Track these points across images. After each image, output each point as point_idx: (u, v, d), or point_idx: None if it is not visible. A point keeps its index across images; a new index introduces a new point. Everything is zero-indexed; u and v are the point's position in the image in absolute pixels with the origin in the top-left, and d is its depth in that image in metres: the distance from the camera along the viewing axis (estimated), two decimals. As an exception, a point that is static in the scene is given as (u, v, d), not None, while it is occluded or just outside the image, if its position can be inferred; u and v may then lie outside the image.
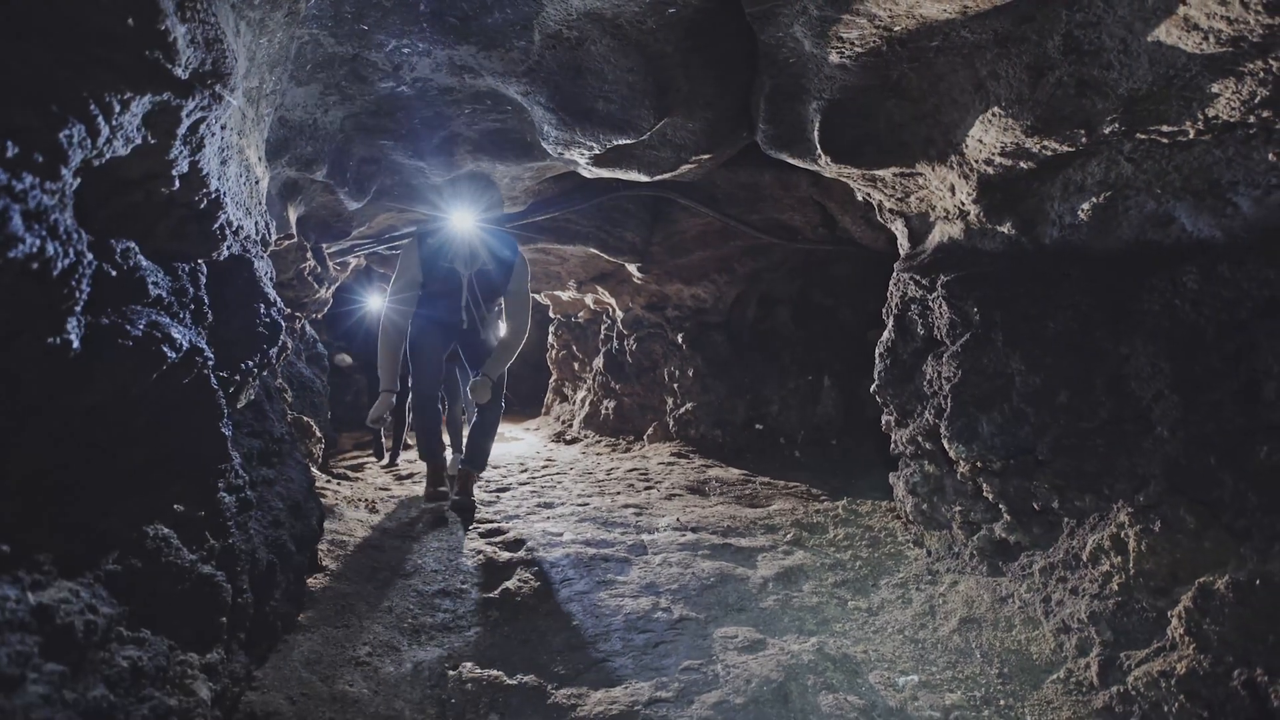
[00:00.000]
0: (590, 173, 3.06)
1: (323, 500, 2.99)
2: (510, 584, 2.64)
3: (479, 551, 3.02)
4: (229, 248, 1.61)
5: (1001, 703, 1.84)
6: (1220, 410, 1.79)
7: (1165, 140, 1.89)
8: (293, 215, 2.84)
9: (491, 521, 3.51)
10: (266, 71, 1.78)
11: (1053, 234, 2.32)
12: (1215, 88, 1.65)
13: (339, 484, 4.23)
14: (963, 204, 2.51)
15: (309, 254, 3.51)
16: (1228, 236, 1.93)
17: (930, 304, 2.65)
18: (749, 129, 2.79)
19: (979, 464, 2.31)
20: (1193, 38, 1.56)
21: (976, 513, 2.40)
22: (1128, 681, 1.67)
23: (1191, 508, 1.76)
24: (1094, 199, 2.14)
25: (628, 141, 2.53)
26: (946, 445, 2.40)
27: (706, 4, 1.92)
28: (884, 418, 3.00)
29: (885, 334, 2.95)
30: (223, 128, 1.49)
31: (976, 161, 2.30)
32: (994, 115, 2.08)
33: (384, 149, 2.88)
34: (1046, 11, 1.76)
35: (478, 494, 4.02)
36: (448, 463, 4.28)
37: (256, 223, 1.89)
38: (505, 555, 2.96)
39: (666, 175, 3.01)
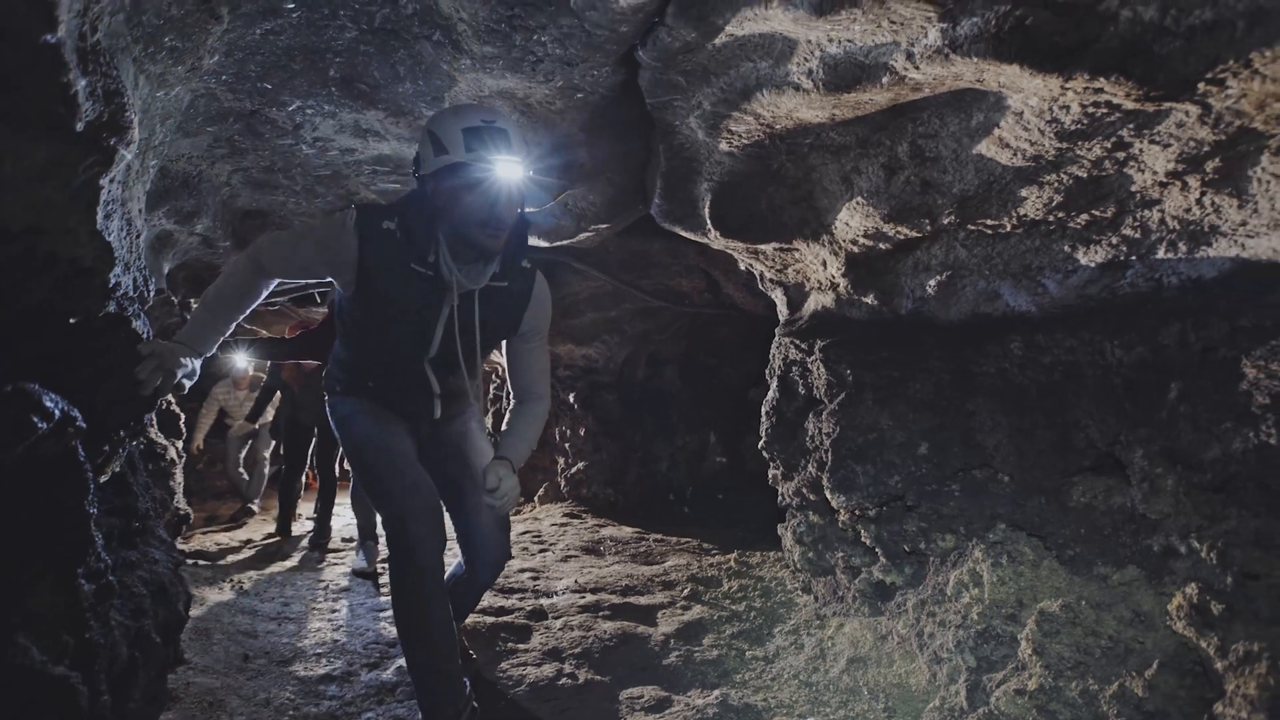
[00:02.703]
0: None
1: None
2: (404, 661, 2.49)
3: (366, 629, 2.82)
4: (107, 306, 1.49)
5: (888, 735, 1.99)
6: (1044, 458, 2.12)
7: (990, 231, 2.26)
8: (164, 268, 2.63)
9: (379, 595, 3.29)
10: (158, 123, 1.71)
11: (908, 305, 2.66)
12: (1024, 192, 2.03)
13: (198, 563, 3.79)
14: (834, 277, 2.83)
15: (176, 309, 3.24)
16: (1041, 311, 2.33)
17: (810, 366, 2.92)
18: (645, 202, 2.99)
19: (857, 511, 2.54)
20: (1005, 153, 1.93)
21: (857, 557, 2.62)
22: (991, 702, 1.88)
23: (1029, 542, 2.04)
24: (938, 276, 2.50)
25: (531, 210, 2.63)
26: (829, 495, 2.61)
27: (611, 91, 2.09)
28: (770, 471, 3.21)
29: (770, 394, 3.19)
30: (111, 181, 1.41)
31: (844, 241, 2.62)
32: (858, 204, 2.40)
33: (273, 204, 2.78)
34: (897, 124, 2.09)
35: (347, 561, 3.66)
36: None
37: (135, 279, 1.76)
38: (395, 631, 2.79)
39: (566, 242, 3.13)
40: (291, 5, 1.61)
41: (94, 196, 1.25)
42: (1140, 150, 1.73)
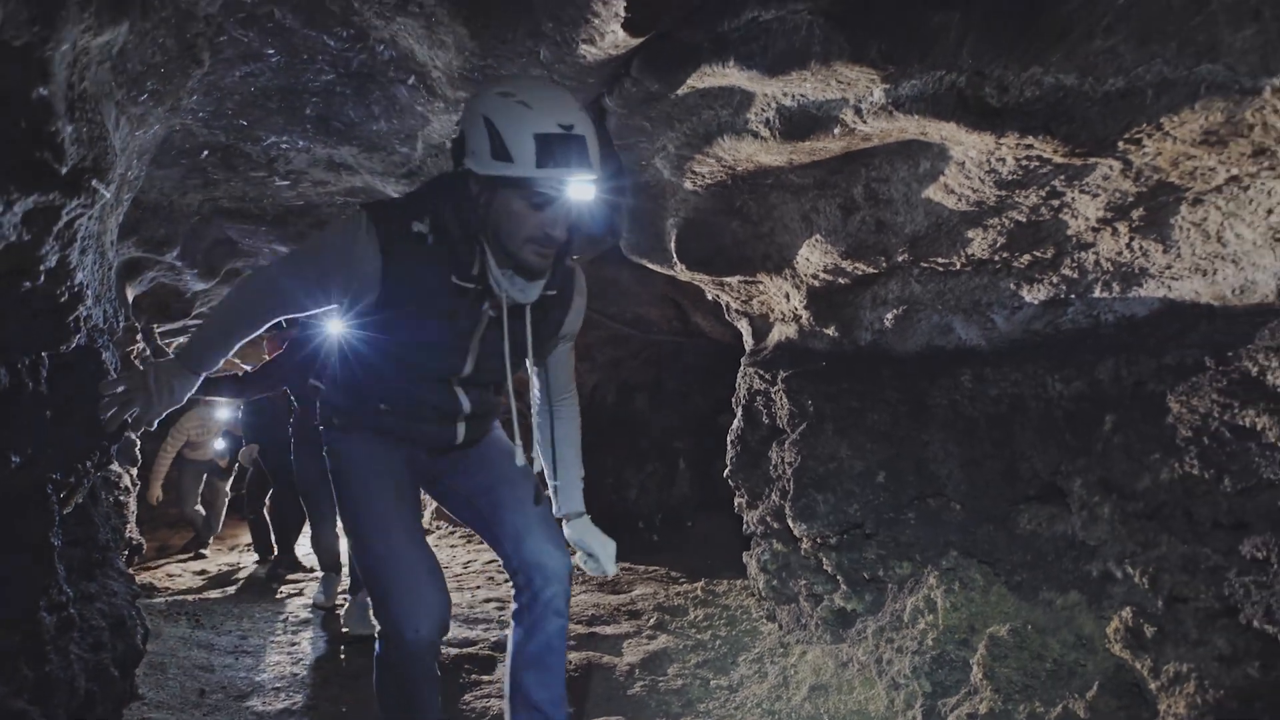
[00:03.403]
0: (462, 266, 3.16)
1: (137, 615, 2.61)
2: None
3: (327, 661, 2.78)
4: (78, 339, 1.50)
5: (847, 760, 2.03)
6: (992, 486, 2.22)
7: (941, 268, 2.39)
8: (130, 295, 2.63)
9: (340, 627, 3.24)
10: (135, 159, 1.74)
11: (866, 337, 2.77)
12: (970, 234, 2.16)
13: (153, 595, 3.70)
14: (796, 309, 2.93)
15: (139, 335, 3.21)
16: (990, 345, 2.45)
17: (773, 396, 3.00)
18: (613, 234, 3.08)
19: (819, 539, 2.61)
20: (951, 198, 2.05)
21: (819, 585, 2.68)
22: (945, 726, 1.94)
23: (980, 568, 2.13)
24: (895, 310, 2.62)
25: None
26: (791, 524, 2.68)
27: (580, 134, 2.18)
28: (736, 499, 3.27)
29: (735, 423, 3.26)
30: (90, 219, 1.44)
31: (805, 275, 2.73)
32: (817, 241, 2.51)
33: (243, 232, 2.80)
34: (851, 168, 2.21)
35: (306, 592, 3.57)
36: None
37: (105, 310, 1.77)
38: (358, 661, 2.75)
39: (537, 272, 3.20)
40: (272, 51, 1.67)
41: (73, 236, 1.27)
42: (1072, 199, 1.86)
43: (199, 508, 5.82)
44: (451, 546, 5.52)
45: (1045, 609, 1.98)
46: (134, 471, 4.92)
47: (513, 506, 1.65)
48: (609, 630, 3.14)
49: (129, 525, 3.86)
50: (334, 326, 1.73)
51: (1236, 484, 1.62)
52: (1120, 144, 1.57)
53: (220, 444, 5.90)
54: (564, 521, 1.75)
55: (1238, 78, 1.33)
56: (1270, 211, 1.59)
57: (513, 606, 1.70)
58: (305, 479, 3.44)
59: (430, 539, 5.93)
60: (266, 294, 1.53)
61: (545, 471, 1.76)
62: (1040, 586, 2.01)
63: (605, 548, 1.71)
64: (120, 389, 1.48)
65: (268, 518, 4.75)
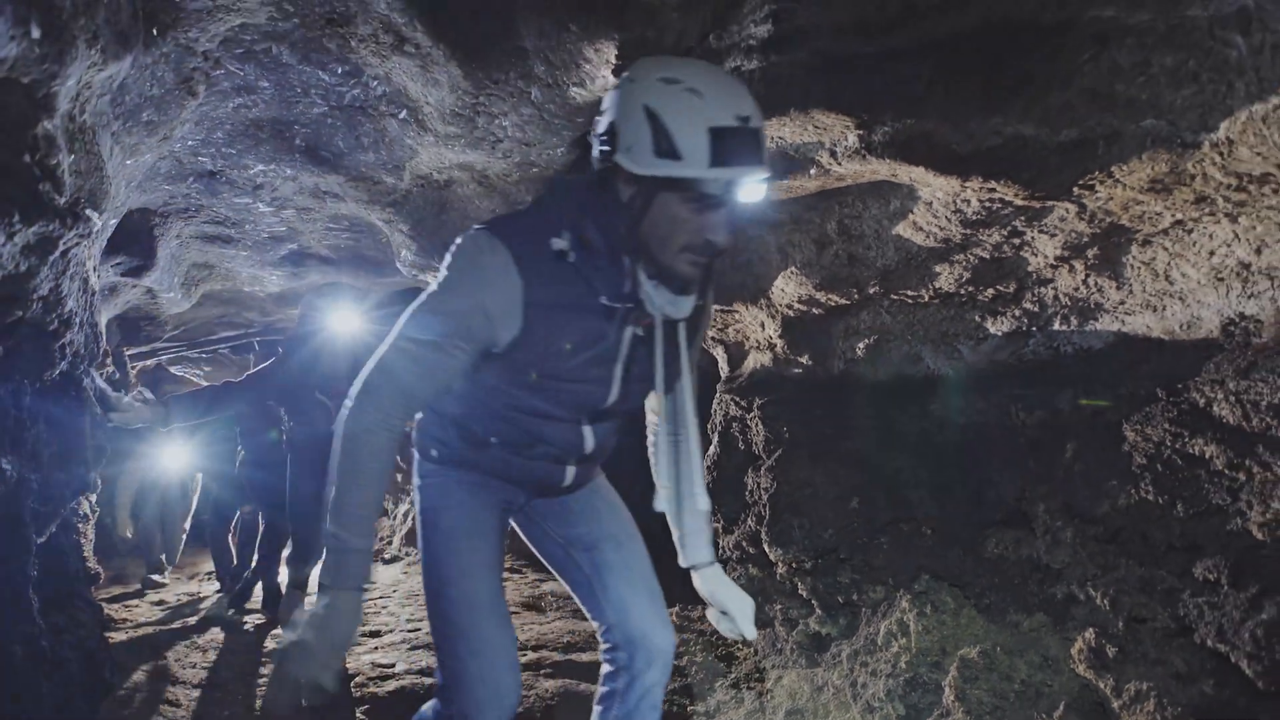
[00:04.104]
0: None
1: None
2: (342, 727, 2.42)
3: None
4: (62, 366, 1.50)
5: (825, 785, 2.05)
6: (961, 511, 2.30)
7: (911, 300, 2.49)
8: (104, 318, 2.59)
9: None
10: (123, 185, 1.75)
11: (839, 365, 2.86)
12: (938, 269, 2.26)
13: (113, 626, 3.57)
14: (771, 338, 3.01)
15: (109, 358, 3.15)
16: (957, 374, 2.55)
17: (749, 422, 3.07)
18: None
19: (794, 564, 2.65)
20: (920, 235, 2.15)
21: (794, 609, 2.72)
22: (919, 748, 1.98)
23: (951, 591, 2.20)
24: (866, 340, 2.71)
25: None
26: (767, 549, 2.73)
27: (564, 167, 2.24)
28: (712, 524, 3.31)
29: (712, 448, 3.31)
30: (82, 247, 1.44)
31: (781, 305, 2.81)
32: (792, 272, 2.60)
33: (223, 256, 2.79)
34: (826, 205, 2.31)
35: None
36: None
37: (86, 335, 1.76)
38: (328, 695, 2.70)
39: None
40: (267, 85, 1.70)
41: (66, 265, 1.28)
42: (1033, 238, 1.97)
43: (155, 533, 5.32)
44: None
45: (1013, 631, 2.04)
46: (92, 498, 4.75)
47: (619, 570, 1.46)
48: (585, 657, 3.13)
49: (85, 553, 3.74)
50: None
51: (1188, 509, 1.71)
52: (1075, 189, 1.68)
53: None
54: (692, 572, 1.52)
55: (1179, 132, 1.45)
56: (1212, 253, 1.71)
57: (603, 686, 1.46)
58: (300, 500, 3.25)
59: (399, 566, 5.81)
60: (397, 404, 1.16)
61: (668, 515, 1.51)
62: (1008, 609, 2.08)
63: (743, 605, 1.42)
64: (284, 674, 1.12)
65: (232, 545, 4.55)
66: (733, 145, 1.06)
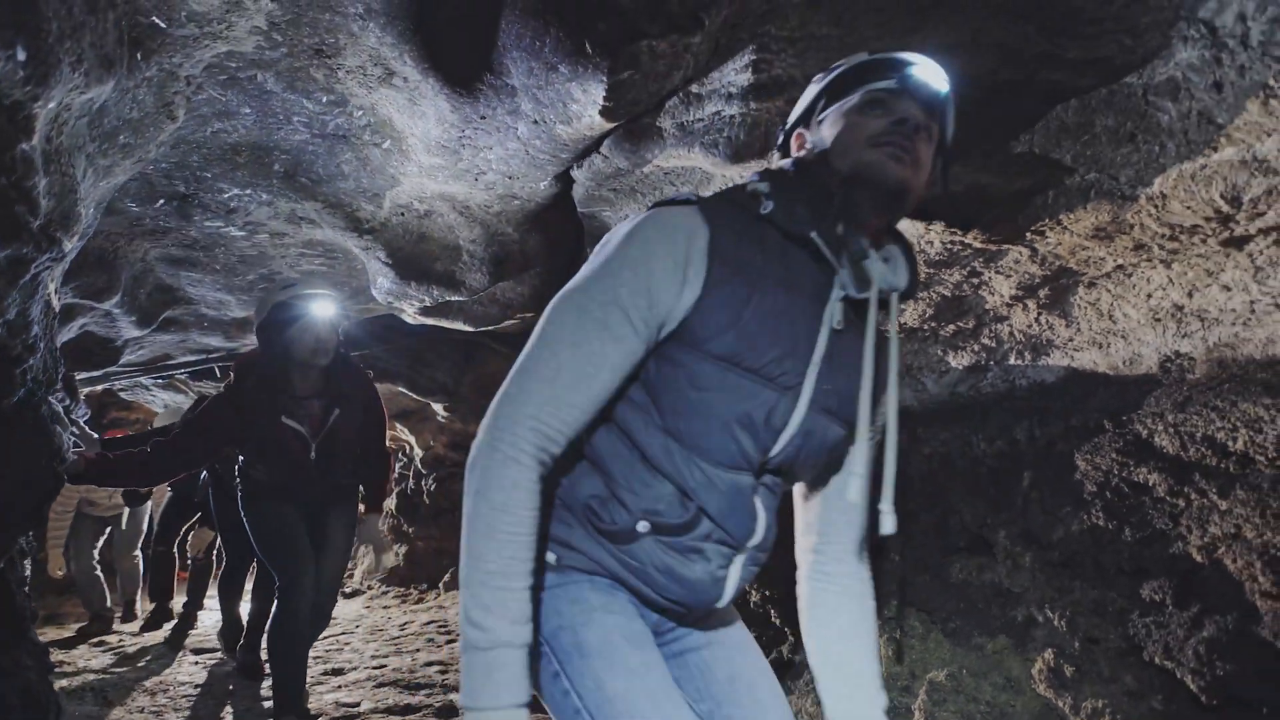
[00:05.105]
0: (414, 320, 3.17)
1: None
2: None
3: (255, 736, 2.60)
4: (20, 393, 1.44)
5: (799, 814, 2.06)
6: (927, 538, 2.38)
7: (875, 335, 2.59)
8: (57, 342, 2.49)
9: (268, 698, 3.03)
10: (93, 207, 1.71)
11: (807, 397, 2.95)
12: (903, 305, 2.37)
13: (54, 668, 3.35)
14: (741, 369, 3.09)
15: (59, 384, 3.01)
16: (922, 406, 2.66)
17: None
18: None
19: (767, 593, 2.69)
20: (885, 273, 2.26)
21: (768, 638, 2.74)
22: (890, 773, 2.01)
23: (919, 616, 2.26)
24: (833, 372, 2.80)
25: (459, 299, 2.73)
26: (739, 576, 2.76)
27: (547, 199, 2.29)
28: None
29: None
30: (48, 271, 1.41)
31: (751, 338, 2.89)
32: (762, 306, 2.68)
33: (188, 280, 2.73)
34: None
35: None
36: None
37: (45, 361, 1.70)
38: (291, 735, 2.59)
39: (490, 328, 3.23)
40: (248, 110, 1.70)
41: (35, 288, 1.25)
42: (990, 278, 2.10)
43: (95, 567, 4.71)
44: (386, 607, 5.27)
45: (978, 653, 2.11)
46: (29, 535, 4.41)
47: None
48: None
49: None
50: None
51: (1135, 534, 1.82)
52: (1028, 234, 1.80)
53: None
54: None
55: (1119, 186, 1.58)
56: (1149, 295, 1.85)
57: None
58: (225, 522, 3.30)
59: (360, 601, 5.62)
60: (545, 416, 0.88)
61: (820, 691, 1.11)
62: (973, 632, 2.15)
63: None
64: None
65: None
66: (916, 72, 0.97)
